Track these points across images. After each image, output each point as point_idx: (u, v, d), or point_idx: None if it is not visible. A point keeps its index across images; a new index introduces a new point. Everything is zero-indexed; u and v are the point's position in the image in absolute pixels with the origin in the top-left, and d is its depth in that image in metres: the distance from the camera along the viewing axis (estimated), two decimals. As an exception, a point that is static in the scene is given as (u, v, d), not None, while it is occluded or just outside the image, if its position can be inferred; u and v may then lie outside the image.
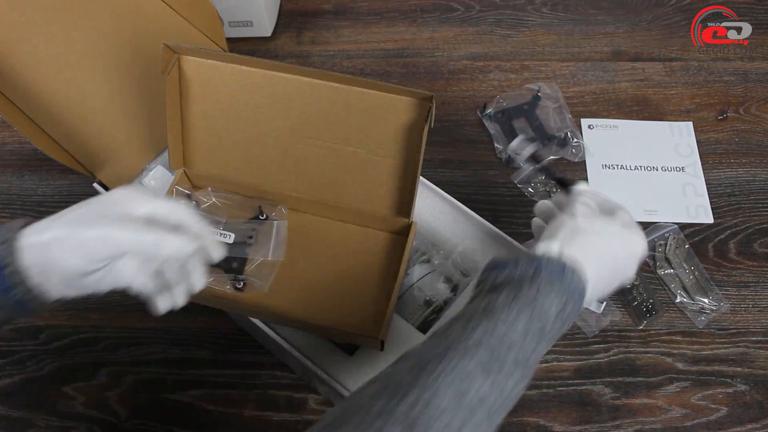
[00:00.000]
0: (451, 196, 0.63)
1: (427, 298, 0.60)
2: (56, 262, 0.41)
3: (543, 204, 0.55)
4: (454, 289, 0.62)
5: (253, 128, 0.62)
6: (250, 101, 0.61)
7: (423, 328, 0.59)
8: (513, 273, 0.43)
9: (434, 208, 0.65)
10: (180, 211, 0.45)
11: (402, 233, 0.63)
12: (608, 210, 0.51)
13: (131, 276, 0.43)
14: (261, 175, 0.64)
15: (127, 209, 0.43)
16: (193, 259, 0.46)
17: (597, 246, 0.46)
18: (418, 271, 0.62)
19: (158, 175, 0.69)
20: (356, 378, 0.55)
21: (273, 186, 0.64)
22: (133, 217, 0.43)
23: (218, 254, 0.46)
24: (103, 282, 0.44)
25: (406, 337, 0.58)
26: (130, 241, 0.41)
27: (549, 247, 0.46)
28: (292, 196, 0.64)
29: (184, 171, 0.65)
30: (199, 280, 0.46)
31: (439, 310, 0.60)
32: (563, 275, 0.43)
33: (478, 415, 0.37)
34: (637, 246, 0.49)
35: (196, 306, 0.72)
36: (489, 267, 0.46)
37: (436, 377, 0.37)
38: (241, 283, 0.60)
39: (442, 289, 0.61)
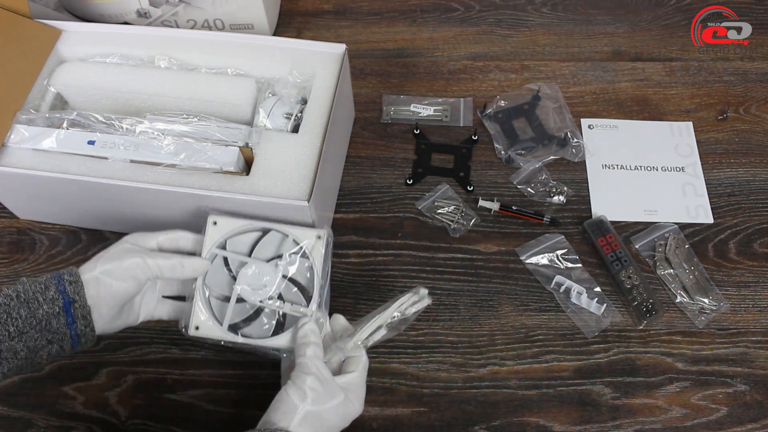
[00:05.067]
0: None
1: (285, 113, 0.68)
2: (109, 289, 0.53)
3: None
4: (304, 102, 0.70)
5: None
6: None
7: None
8: None
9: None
10: (180, 236, 0.59)
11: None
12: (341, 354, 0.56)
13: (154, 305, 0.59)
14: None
15: (143, 243, 0.57)
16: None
17: (323, 424, 0.52)
18: (270, 102, 0.69)
19: (17, 136, 0.65)
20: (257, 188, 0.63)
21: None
22: (150, 249, 0.57)
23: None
24: (134, 315, 0.57)
25: (283, 142, 0.65)
26: (159, 264, 0.55)
27: (282, 425, 0.50)
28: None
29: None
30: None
31: (299, 119, 0.68)
32: None
33: None
34: (352, 415, 0.55)
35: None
36: None
37: None
38: None
39: (293, 104, 0.69)
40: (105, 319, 0.54)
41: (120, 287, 0.53)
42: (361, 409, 0.55)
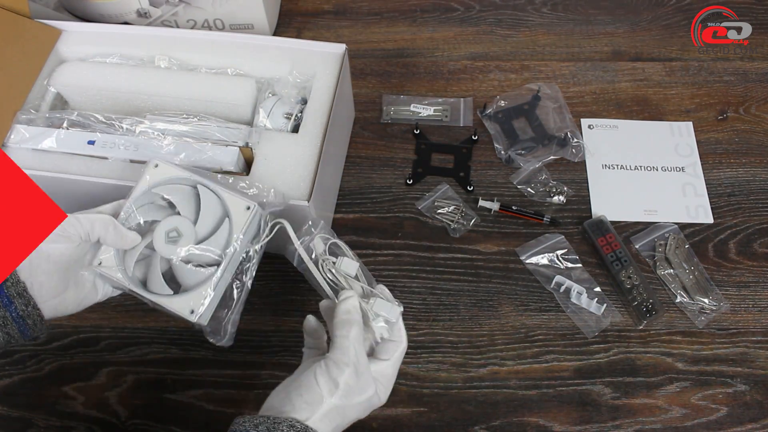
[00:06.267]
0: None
1: (285, 113, 0.68)
2: (39, 254, 0.47)
3: (310, 323, 0.54)
4: (304, 102, 0.70)
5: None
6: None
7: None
8: None
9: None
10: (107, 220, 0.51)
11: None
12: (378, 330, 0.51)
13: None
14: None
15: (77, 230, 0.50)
16: None
17: (345, 419, 0.47)
18: (270, 102, 0.69)
19: (17, 136, 0.66)
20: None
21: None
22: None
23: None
24: (92, 288, 0.52)
25: (283, 142, 0.66)
26: (91, 218, 0.50)
27: (301, 416, 0.45)
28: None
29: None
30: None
31: (299, 119, 0.68)
32: None
33: None
34: (373, 408, 0.49)
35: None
36: None
37: None
38: None
39: (293, 104, 0.69)
40: (50, 293, 0.49)
41: (52, 249, 0.48)
42: (384, 402, 0.50)
